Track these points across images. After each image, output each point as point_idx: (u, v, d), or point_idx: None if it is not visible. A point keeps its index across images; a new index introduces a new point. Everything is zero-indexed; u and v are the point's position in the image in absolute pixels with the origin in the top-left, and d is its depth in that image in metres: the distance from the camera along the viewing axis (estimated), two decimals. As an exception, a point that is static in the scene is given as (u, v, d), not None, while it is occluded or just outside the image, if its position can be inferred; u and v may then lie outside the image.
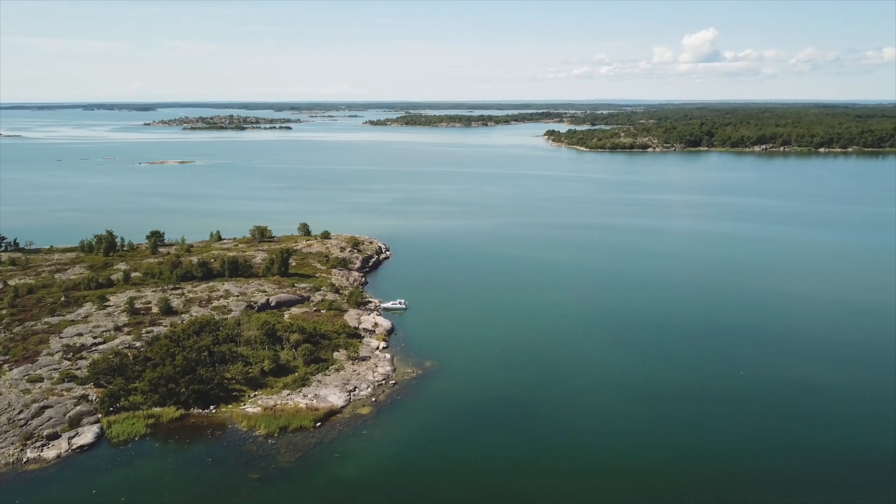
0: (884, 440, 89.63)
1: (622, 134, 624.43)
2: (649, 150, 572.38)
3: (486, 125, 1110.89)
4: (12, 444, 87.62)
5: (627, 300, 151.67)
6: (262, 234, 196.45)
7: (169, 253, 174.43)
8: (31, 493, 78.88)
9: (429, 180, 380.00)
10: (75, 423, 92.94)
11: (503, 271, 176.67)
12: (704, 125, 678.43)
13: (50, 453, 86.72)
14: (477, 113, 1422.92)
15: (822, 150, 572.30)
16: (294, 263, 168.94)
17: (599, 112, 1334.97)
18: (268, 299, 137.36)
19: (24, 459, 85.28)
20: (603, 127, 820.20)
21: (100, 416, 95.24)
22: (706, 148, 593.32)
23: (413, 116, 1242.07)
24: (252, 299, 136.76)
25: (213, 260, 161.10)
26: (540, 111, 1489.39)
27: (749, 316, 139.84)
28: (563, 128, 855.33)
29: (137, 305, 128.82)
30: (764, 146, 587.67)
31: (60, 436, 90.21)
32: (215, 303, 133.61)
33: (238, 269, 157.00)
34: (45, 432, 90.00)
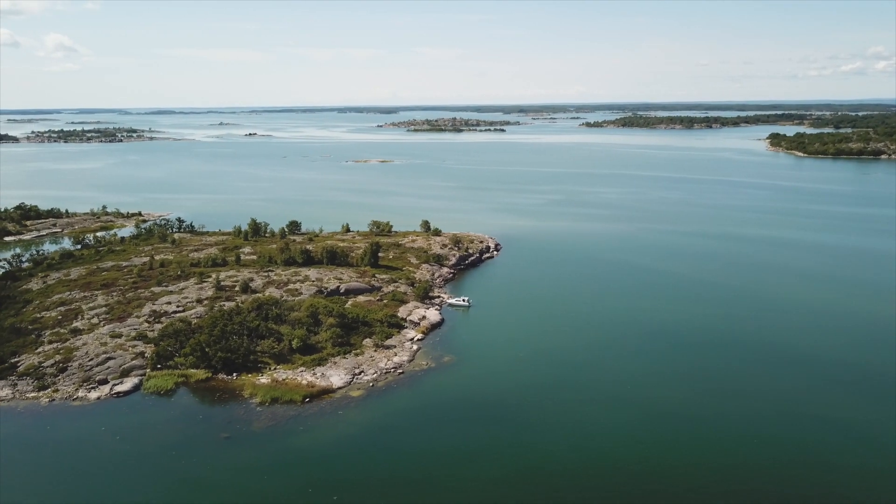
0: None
1: (854, 138, 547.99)
2: (882, 157, 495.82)
3: (711, 127, 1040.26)
4: (73, 384, 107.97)
5: (711, 318, 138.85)
6: (378, 228, 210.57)
7: (294, 240, 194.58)
8: (63, 423, 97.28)
9: (599, 183, 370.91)
10: (126, 374, 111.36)
11: (600, 279, 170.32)
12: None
13: (93, 395, 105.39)
14: (705, 114, 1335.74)
15: None
16: (392, 256, 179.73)
17: (856, 114, 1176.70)
18: (338, 286, 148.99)
19: (74, 397, 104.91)
20: (844, 130, 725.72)
21: (148, 370, 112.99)
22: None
23: (632, 118, 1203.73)
24: (325, 285, 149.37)
25: (321, 250, 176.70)
26: (780, 112, 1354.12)
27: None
28: (794, 131, 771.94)
29: (225, 283, 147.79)
30: None
31: (108, 382, 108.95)
32: (290, 286, 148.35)
33: (335, 258, 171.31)
34: (98, 378, 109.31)
